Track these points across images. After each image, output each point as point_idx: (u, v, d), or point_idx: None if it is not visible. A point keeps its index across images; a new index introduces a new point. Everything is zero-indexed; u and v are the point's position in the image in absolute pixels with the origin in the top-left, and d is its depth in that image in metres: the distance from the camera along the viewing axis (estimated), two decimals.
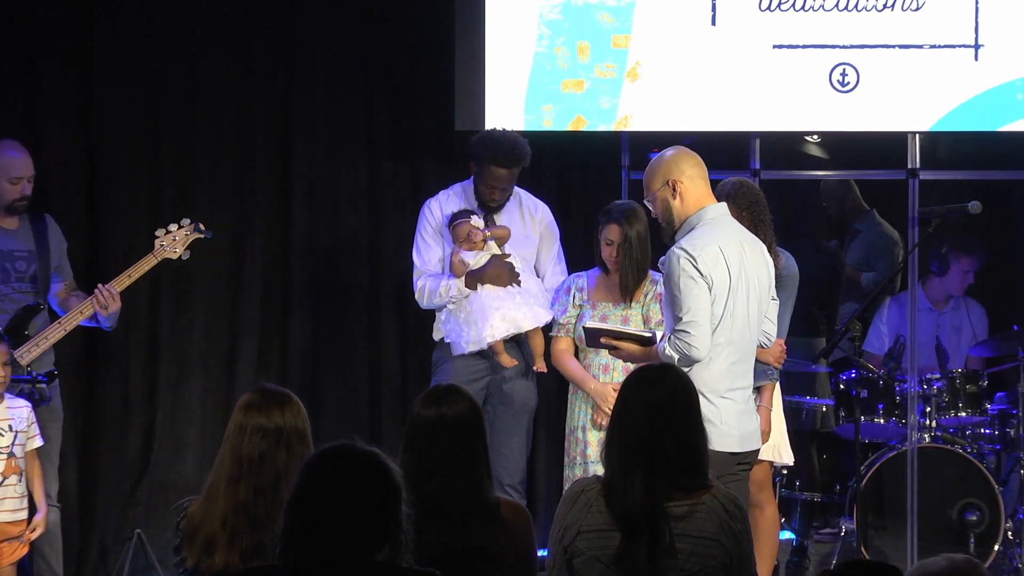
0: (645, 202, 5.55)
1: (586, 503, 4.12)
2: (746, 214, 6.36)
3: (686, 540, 4.05)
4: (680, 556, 4.04)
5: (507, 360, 6.69)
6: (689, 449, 4.11)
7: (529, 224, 6.88)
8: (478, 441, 4.33)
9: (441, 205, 6.86)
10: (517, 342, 6.78)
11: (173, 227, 6.67)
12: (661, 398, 4.12)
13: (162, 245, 6.63)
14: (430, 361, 6.98)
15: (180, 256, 6.68)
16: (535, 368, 6.80)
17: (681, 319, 5.26)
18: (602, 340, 5.58)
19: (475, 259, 6.69)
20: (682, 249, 5.32)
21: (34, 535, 6.20)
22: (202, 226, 6.71)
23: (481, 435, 4.35)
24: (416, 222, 6.94)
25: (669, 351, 5.25)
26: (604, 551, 4.07)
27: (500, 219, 6.81)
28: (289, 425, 4.26)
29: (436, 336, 6.87)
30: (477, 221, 6.72)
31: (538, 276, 6.87)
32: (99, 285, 6.53)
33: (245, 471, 4.23)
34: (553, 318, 6.71)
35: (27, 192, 6.60)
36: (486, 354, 6.73)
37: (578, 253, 7.47)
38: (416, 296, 6.83)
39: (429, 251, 6.83)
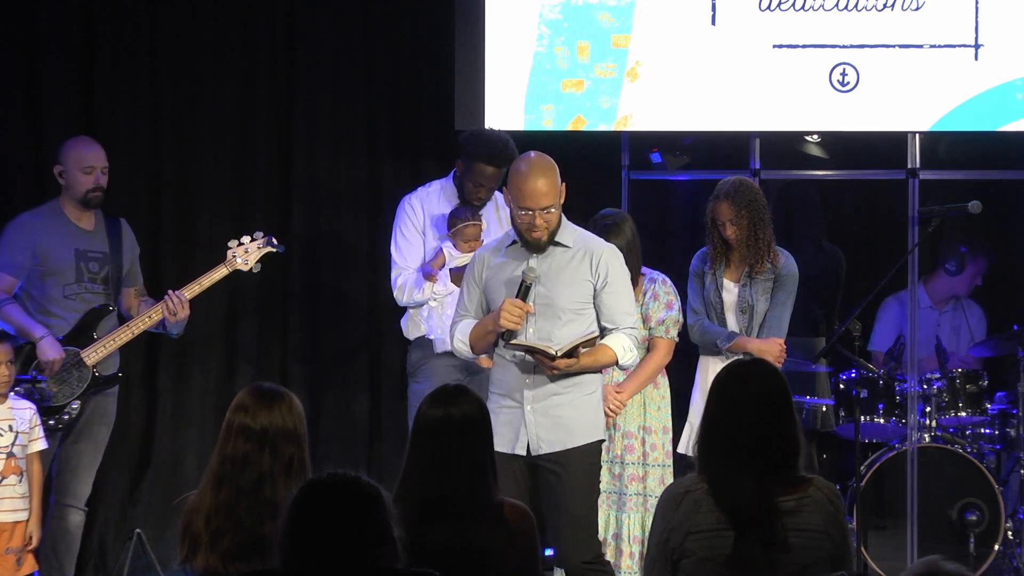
0: (544, 211, 5.46)
1: (693, 503, 4.02)
2: (745, 212, 6.37)
3: (797, 534, 3.98)
4: (793, 551, 3.97)
5: (484, 361, 6.68)
6: (791, 441, 4.05)
7: (506, 224, 6.87)
8: (483, 442, 4.32)
9: (423, 202, 6.85)
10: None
11: (246, 239, 6.68)
12: (762, 391, 4.06)
13: (234, 256, 6.64)
14: (410, 362, 6.92)
15: (251, 269, 6.69)
16: None
17: None
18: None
19: (460, 257, 6.68)
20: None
21: (32, 545, 6.18)
22: (275, 240, 6.72)
23: (487, 436, 4.34)
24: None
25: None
26: (717, 551, 3.98)
27: (483, 218, 6.78)
28: (276, 425, 4.23)
29: (411, 335, 6.84)
30: (484, 230, 6.72)
31: None
32: (169, 291, 6.55)
33: (228, 472, 4.23)
34: None
35: (100, 182, 6.61)
36: None
37: None
38: (395, 293, 6.80)
39: (410, 248, 6.81)
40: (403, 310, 6.90)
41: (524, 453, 5.56)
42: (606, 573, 5.65)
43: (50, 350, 6.38)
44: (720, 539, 3.98)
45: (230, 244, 6.66)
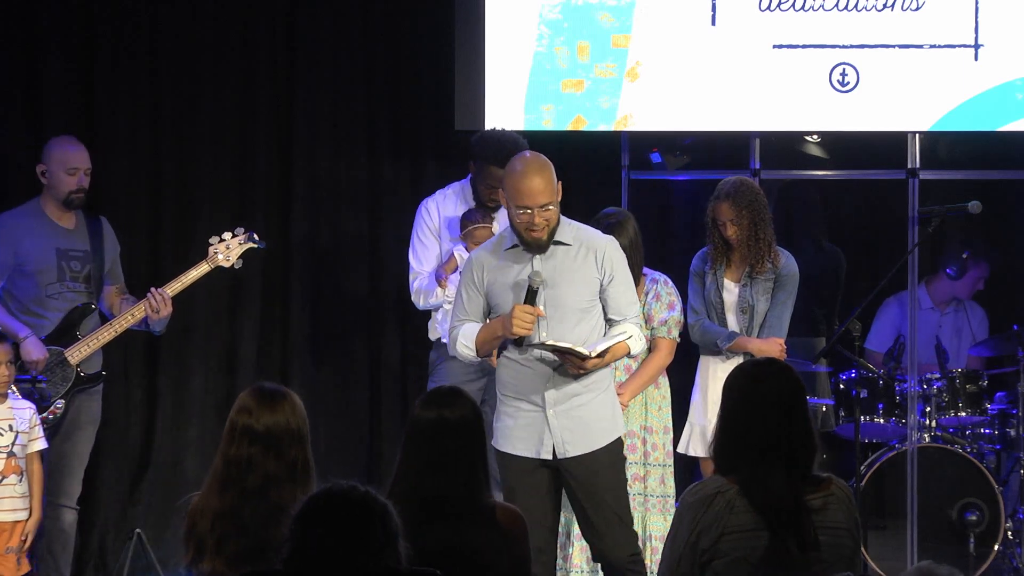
0: (542, 209, 5.43)
1: (726, 504, 3.99)
2: (746, 212, 6.38)
3: (824, 532, 3.99)
4: (822, 549, 3.97)
5: (495, 362, 6.68)
6: (809, 440, 4.05)
7: None
8: (477, 444, 4.32)
9: (439, 205, 6.85)
10: None
11: (227, 235, 6.68)
12: (782, 390, 4.04)
13: (216, 253, 6.64)
14: (430, 361, 6.97)
15: (233, 265, 6.69)
16: None
17: None
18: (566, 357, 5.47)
19: None
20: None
21: (27, 544, 6.19)
22: (256, 236, 6.72)
23: (481, 438, 4.34)
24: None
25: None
26: (753, 551, 3.97)
27: (496, 220, 6.80)
28: (280, 426, 4.22)
29: (432, 336, 6.87)
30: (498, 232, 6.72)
31: None
32: (152, 289, 6.55)
33: (233, 475, 4.21)
34: None
35: (83, 184, 6.62)
36: None
37: None
38: (412, 297, 6.82)
39: (426, 252, 6.82)
40: (406, 310, 6.91)
41: (550, 457, 5.51)
42: (644, 568, 5.69)
43: (34, 350, 6.37)
44: (755, 539, 3.96)
45: (211, 241, 6.67)
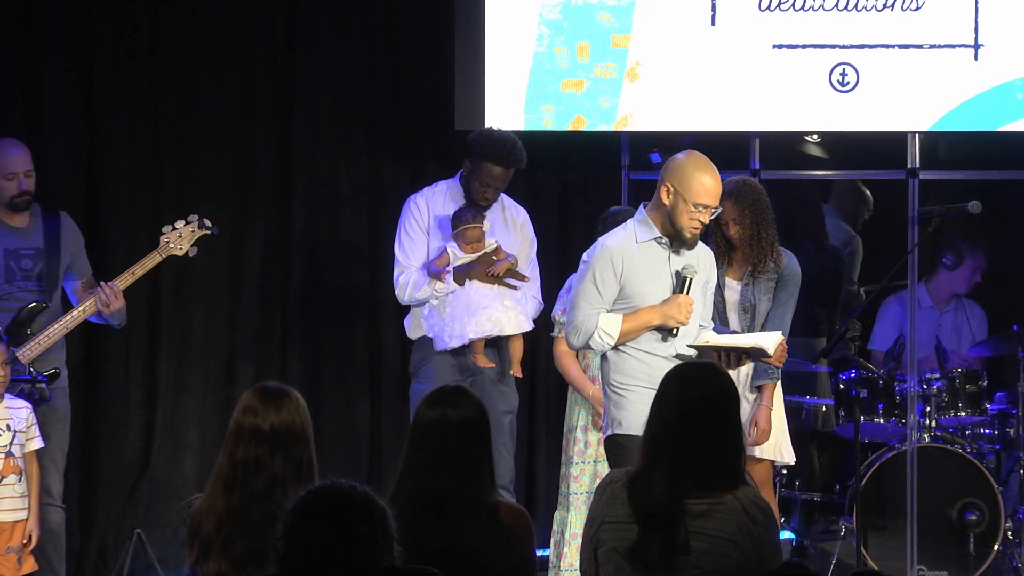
0: (712, 210, 5.59)
1: (611, 495, 4.11)
2: (748, 212, 6.37)
3: (702, 539, 4.02)
4: (694, 554, 4.00)
5: (483, 361, 6.67)
6: (718, 449, 4.07)
7: (512, 228, 6.87)
8: (481, 443, 4.31)
9: (427, 201, 6.84)
10: (496, 345, 6.77)
11: (179, 223, 6.66)
12: (695, 397, 4.09)
13: (167, 242, 6.62)
14: (412, 362, 6.93)
15: (187, 253, 6.66)
16: (511, 373, 6.80)
17: None
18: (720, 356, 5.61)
19: (463, 257, 6.68)
20: None
21: (32, 544, 6.17)
22: (208, 222, 6.70)
23: (485, 437, 4.33)
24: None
25: None
26: (622, 543, 4.05)
27: (487, 219, 6.78)
28: (286, 425, 4.22)
29: (413, 335, 6.84)
30: (488, 231, 6.71)
31: None
32: (102, 283, 6.52)
33: (240, 476, 4.20)
34: (554, 318, 6.71)
35: (25, 187, 6.55)
36: (468, 354, 6.71)
37: (577, 253, 7.46)
38: (397, 291, 6.80)
39: (414, 247, 6.80)
40: (405, 309, 6.89)
41: None
42: None
43: None
44: (626, 532, 4.06)
45: (164, 230, 6.64)
